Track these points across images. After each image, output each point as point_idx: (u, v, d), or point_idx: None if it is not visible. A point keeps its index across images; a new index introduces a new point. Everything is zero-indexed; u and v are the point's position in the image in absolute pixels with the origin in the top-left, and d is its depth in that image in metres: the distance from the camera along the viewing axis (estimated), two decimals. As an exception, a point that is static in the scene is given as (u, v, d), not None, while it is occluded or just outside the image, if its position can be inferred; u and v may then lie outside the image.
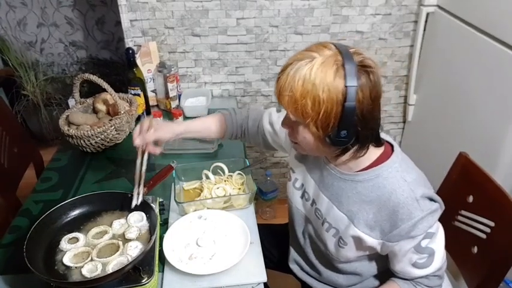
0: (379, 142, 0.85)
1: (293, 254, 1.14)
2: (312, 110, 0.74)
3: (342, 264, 0.99)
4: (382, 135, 0.87)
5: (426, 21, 1.67)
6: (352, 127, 0.76)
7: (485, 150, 1.30)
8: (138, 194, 1.02)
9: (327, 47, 0.75)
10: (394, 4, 1.70)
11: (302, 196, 1.02)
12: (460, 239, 1.08)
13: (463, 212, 1.10)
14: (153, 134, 1.02)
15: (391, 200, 0.82)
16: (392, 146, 0.89)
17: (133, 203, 1.02)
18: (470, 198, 1.09)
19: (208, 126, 1.16)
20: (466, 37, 1.41)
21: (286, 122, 0.84)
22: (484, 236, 1.03)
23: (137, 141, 1.00)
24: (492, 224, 1.02)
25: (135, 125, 1.02)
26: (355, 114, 0.74)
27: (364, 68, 0.74)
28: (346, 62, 0.72)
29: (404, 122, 1.93)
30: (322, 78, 0.72)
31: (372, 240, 0.87)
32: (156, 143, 1.05)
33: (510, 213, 0.97)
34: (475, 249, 1.06)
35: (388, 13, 1.72)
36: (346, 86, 0.72)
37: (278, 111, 1.12)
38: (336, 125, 0.75)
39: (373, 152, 0.85)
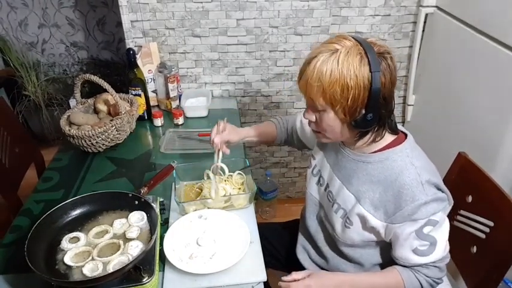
0: (395, 130, 0.91)
1: (301, 241, 1.16)
2: (341, 97, 0.80)
3: (347, 248, 1.01)
4: (399, 126, 0.93)
5: (425, 22, 1.68)
6: (377, 109, 0.82)
7: (485, 150, 1.31)
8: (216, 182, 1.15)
9: (346, 39, 0.82)
10: (393, 5, 1.71)
11: (317, 182, 1.07)
12: (459, 239, 1.08)
13: (462, 212, 1.10)
14: (227, 135, 1.15)
15: (397, 181, 0.86)
16: (406, 135, 0.94)
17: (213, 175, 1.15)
18: (470, 198, 1.10)
19: (264, 132, 1.25)
20: (465, 38, 1.42)
21: (311, 112, 0.89)
22: (483, 235, 1.04)
23: (216, 139, 1.13)
24: (491, 223, 1.02)
25: (212, 128, 1.19)
26: (379, 97, 0.80)
27: (382, 55, 0.81)
28: (368, 51, 0.79)
29: (403, 122, 1.94)
30: (349, 66, 0.78)
31: (376, 221, 0.89)
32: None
33: (509, 213, 0.97)
34: (474, 249, 1.06)
35: (387, 14, 1.73)
36: (371, 72, 0.78)
37: None
38: (362, 109, 0.82)
39: (388, 137, 0.91)
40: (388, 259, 0.98)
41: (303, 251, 1.16)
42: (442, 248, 0.88)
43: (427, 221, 0.84)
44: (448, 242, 0.90)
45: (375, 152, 0.91)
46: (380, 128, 0.87)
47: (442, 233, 0.87)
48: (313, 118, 0.89)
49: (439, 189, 0.86)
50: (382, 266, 1.02)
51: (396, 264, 0.94)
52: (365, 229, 0.94)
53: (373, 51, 0.79)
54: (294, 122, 1.24)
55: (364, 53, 0.79)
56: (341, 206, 0.96)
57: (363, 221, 0.92)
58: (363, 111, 0.82)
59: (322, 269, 1.11)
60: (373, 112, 0.82)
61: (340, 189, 0.96)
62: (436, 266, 0.90)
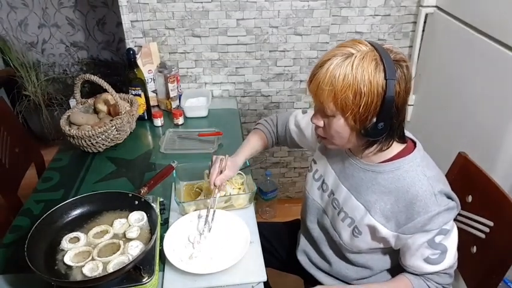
0: (403, 138, 0.88)
1: (303, 244, 1.15)
2: (352, 103, 0.77)
3: (353, 255, 1.00)
4: (406, 132, 0.90)
5: (425, 22, 1.68)
6: (389, 119, 0.79)
7: (485, 150, 1.30)
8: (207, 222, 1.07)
9: (361, 43, 0.79)
10: (393, 5, 1.71)
11: (320, 187, 1.05)
12: (459, 238, 1.07)
13: (462, 212, 1.10)
14: (228, 173, 1.10)
15: (409, 192, 0.84)
16: (415, 143, 0.92)
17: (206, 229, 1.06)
18: (470, 198, 1.09)
19: (257, 146, 1.21)
20: (464, 38, 1.42)
21: (318, 117, 0.86)
22: (483, 235, 1.04)
23: (218, 182, 1.07)
24: (491, 223, 1.02)
25: (210, 164, 1.12)
26: (393, 106, 0.77)
27: (398, 63, 0.77)
28: (384, 57, 0.76)
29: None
30: (363, 72, 0.75)
31: (387, 232, 0.88)
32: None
33: (509, 213, 0.97)
34: (474, 249, 1.06)
35: (387, 14, 1.73)
36: (386, 79, 0.75)
37: (304, 112, 1.16)
38: (373, 118, 0.79)
39: (396, 146, 0.88)
40: (395, 263, 0.98)
41: (303, 253, 1.15)
42: (452, 255, 0.88)
43: (439, 231, 0.84)
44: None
45: (385, 161, 0.88)
46: (388, 137, 0.84)
47: (452, 241, 0.87)
48: (321, 123, 0.86)
49: (449, 197, 0.85)
50: (391, 269, 1.02)
51: (405, 271, 0.93)
52: (374, 239, 0.93)
53: (389, 58, 0.76)
54: (285, 122, 1.20)
55: (379, 59, 0.76)
56: (348, 215, 0.95)
57: (373, 231, 0.91)
58: (374, 120, 0.79)
59: (324, 272, 1.10)
60: (384, 121, 0.78)
61: (348, 198, 0.95)
62: (446, 273, 0.90)
